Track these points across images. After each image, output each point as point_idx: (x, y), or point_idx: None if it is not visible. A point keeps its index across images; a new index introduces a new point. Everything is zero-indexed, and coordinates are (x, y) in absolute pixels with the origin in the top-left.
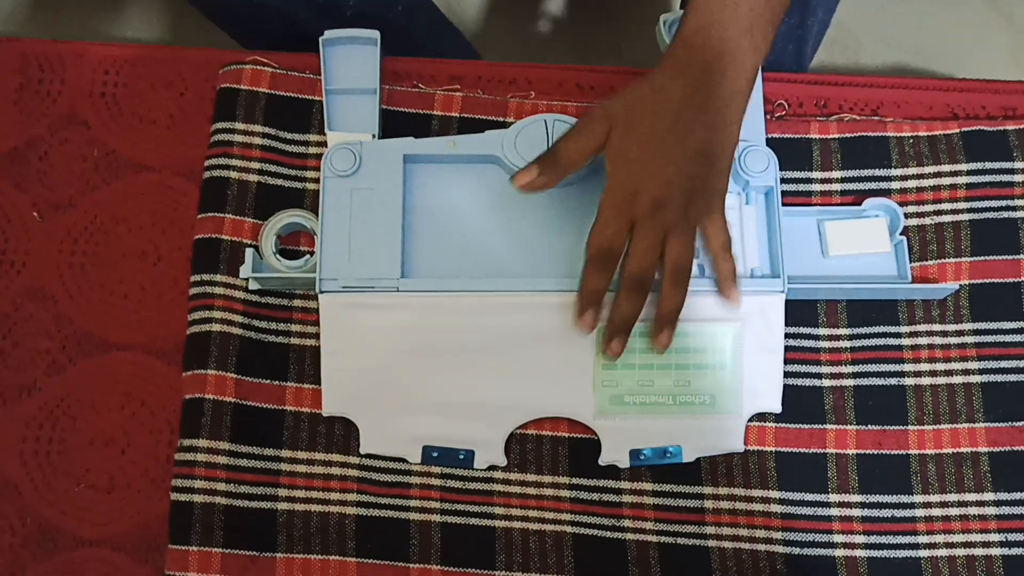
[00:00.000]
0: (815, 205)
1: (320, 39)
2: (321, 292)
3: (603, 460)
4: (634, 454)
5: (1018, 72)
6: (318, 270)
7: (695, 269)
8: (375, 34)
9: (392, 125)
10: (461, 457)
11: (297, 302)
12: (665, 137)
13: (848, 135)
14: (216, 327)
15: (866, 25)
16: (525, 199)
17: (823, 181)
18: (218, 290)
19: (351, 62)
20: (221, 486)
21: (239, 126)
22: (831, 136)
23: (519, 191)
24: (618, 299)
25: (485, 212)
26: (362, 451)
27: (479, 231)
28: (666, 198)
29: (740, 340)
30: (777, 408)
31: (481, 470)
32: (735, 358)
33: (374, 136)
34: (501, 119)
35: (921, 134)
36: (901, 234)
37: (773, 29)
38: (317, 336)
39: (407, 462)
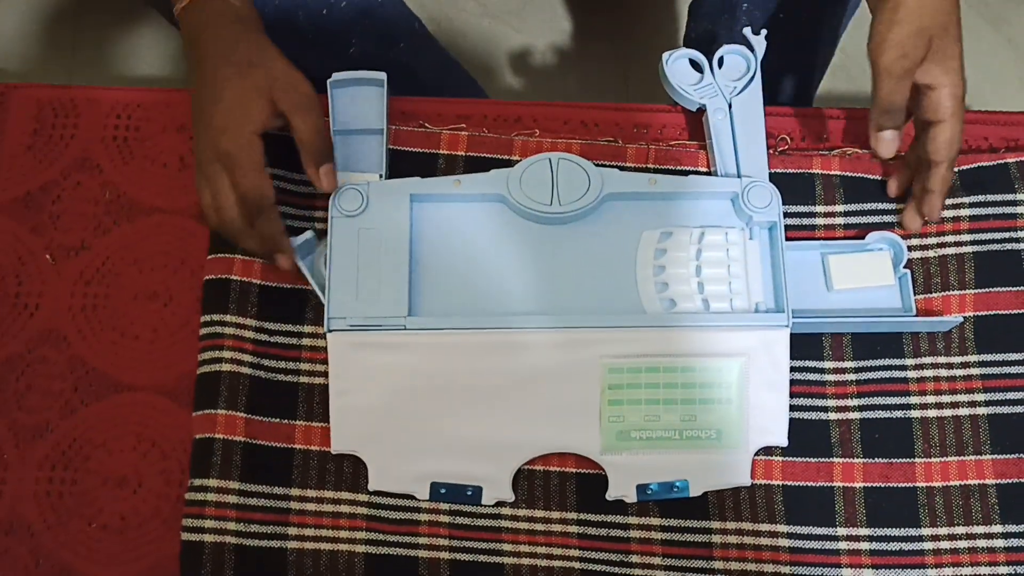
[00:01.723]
0: (819, 239)
1: (328, 81)
2: (329, 331)
3: (610, 495)
4: (641, 489)
5: (1023, 97)
6: (326, 309)
7: (700, 304)
8: (382, 76)
9: (399, 164)
10: (469, 493)
11: (306, 341)
12: (960, 34)
13: (849, 174)
14: (226, 367)
15: None
16: (531, 237)
17: (826, 215)
18: (228, 330)
19: (358, 103)
20: (232, 525)
21: None
22: (833, 172)
23: (884, 157)
24: (946, 175)
25: (491, 250)
26: (371, 488)
27: (485, 269)
28: None
29: (745, 375)
30: (783, 442)
31: (489, 506)
32: (740, 393)
33: (381, 176)
34: (507, 157)
35: None
36: (905, 267)
37: None
38: (326, 374)
39: (416, 499)
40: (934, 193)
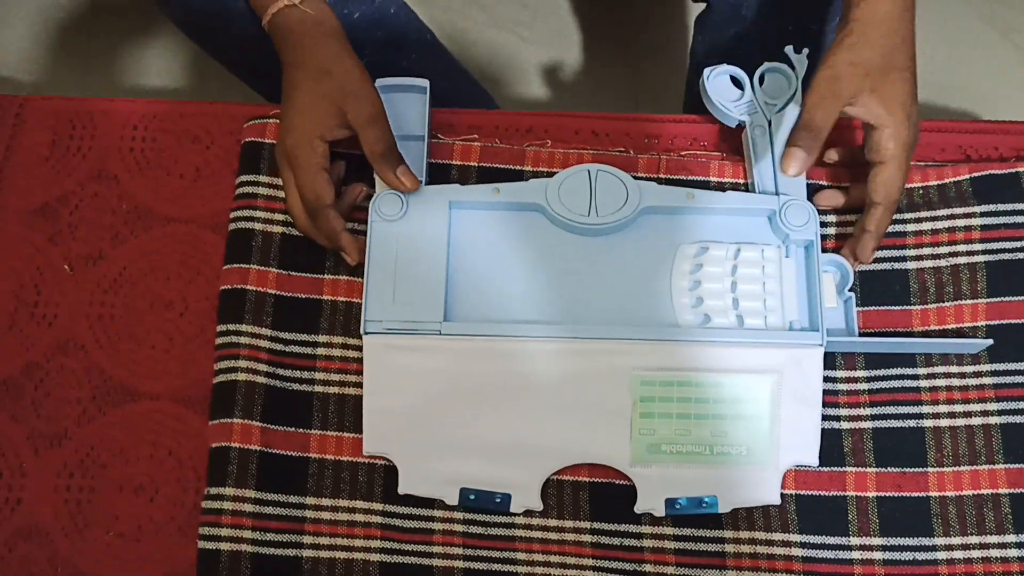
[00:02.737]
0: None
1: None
2: (365, 333)
3: (639, 508)
4: (670, 503)
5: None
6: (363, 312)
7: (735, 320)
8: (424, 83)
9: None
10: (498, 501)
11: (321, 350)
12: (915, 68)
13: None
14: (242, 376)
15: None
16: (568, 248)
17: (838, 224)
18: (244, 340)
19: (400, 109)
20: (248, 534)
21: (264, 179)
22: (843, 184)
23: (788, 175)
24: (881, 218)
25: (527, 259)
26: (401, 491)
27: (521, 278)
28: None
29: (777, 392)
30: (814, 462)
31: (504, 515)
32: (772, 410)
33: (421, 182)
34: (519, 167)
35: (931, 183)
36: (850, 290)
37: None
38: (340, 384)
39: (431, 507)
40: (868, 234)
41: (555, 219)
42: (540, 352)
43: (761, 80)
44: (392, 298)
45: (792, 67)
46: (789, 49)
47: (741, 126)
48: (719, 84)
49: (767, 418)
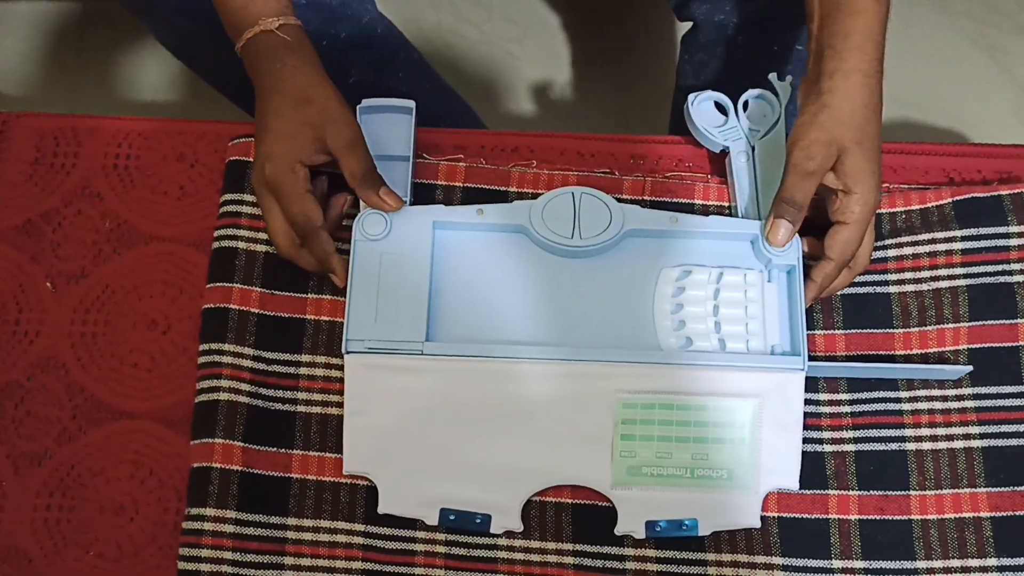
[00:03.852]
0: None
1: (358, 107)
2: (347, 352)
3: (619, 530)
4: (650, 525)
5: (1020, 126)
6: (345, 330)
7: (716, 343)
8: (410, 104)
9: None
10: (478, 521)
11: (303, 370)
12: (881, 136)
13: None
14: (224, 396)
15: None
16: (550, 269)
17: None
18: (226, 359)
19: (385, 129)
20: (228, 555)
21: (248, 197)
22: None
23: (776, 246)
24: (830, 272)
25: (510, 280)
26: (380, 511)
27: (504, 299)
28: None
29: (759, 416)
30: (794, 486)
31: (486, 537)
32: (753, 434)
33: (405, 202)
34: (504, 188)
35: (913, 207)
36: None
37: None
38: (323, 403)
39: (413, 528)
40: (813, 284)
41: (539, 241)
42: (522, 373)
43: (745, 106)
44: (375, 317)
45: (776, 94)
46: (773, 76)
47: (725, 151)
48: (703, 110)
49: (748, 442)
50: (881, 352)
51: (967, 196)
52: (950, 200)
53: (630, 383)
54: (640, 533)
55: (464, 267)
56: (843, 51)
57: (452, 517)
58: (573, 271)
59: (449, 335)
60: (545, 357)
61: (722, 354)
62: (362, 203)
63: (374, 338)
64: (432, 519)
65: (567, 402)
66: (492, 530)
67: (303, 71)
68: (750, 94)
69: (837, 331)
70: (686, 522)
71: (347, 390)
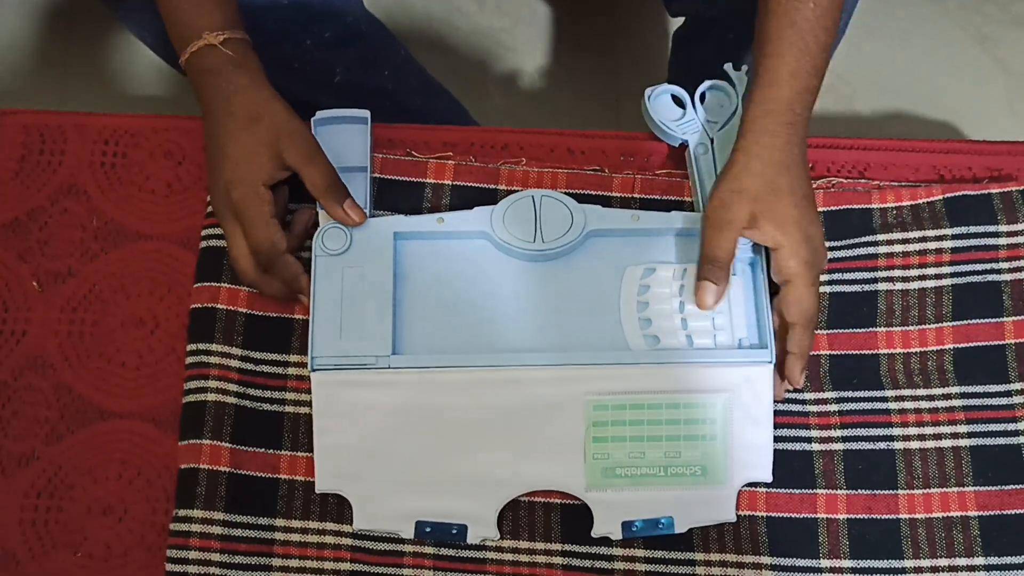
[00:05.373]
0: None
1: (312, 120)
2: (313, 370)
3: (596, 532)
4: (626, 526)
5: (1012, 118)
6: (310, 348)
7: (684, 340)
8: (365, 113)
9: (385, 194)
10: (454, 532)
11: (292, 370)
12: (808, 193)
13: (833, 208)
14: (211, 396)
15: (861, 73)
16: (515, 274)
17: None
18: (214, 359)
19: (342, 140)
20: (216, 556)
21: None
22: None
23: (706, 308)
24: (800, 338)
25: (476, 288)
26: (355, 528)
27: (470, 307)
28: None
29: (729, 411)
30: (768, 478)
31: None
32: (724, 429)
33: (367, 214)
34: (493, 186)
35: (904, 204)
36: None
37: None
38: (311, 404)
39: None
40: (793, 356)
41: (501, 246)
42: (491, 381)
43: (703, 98)
44: (339, 333)
45: (732, 84)
46: (728, 66)
47: (684, 145)
48: (660, 104)
49: (720, 437)
50: (865, 351)
51: (958, 194)
52: (941, 197)
53: (600, 385)
54: (617, 534)
55: (428, 277)
56: (753, 112)
57: (428, 529)
58: (538, 275)
59: (416, 347)
60: (513, 364)
61: (690, 350)
62: (321, 217)
63: (340, 354)
64: (408, 532)
65: (537, 408)
66: (469, 540)
67: (250, 88)
68: (706, 85)
69: (820, 331)
70: (662, 520)
71: (315, 408)
